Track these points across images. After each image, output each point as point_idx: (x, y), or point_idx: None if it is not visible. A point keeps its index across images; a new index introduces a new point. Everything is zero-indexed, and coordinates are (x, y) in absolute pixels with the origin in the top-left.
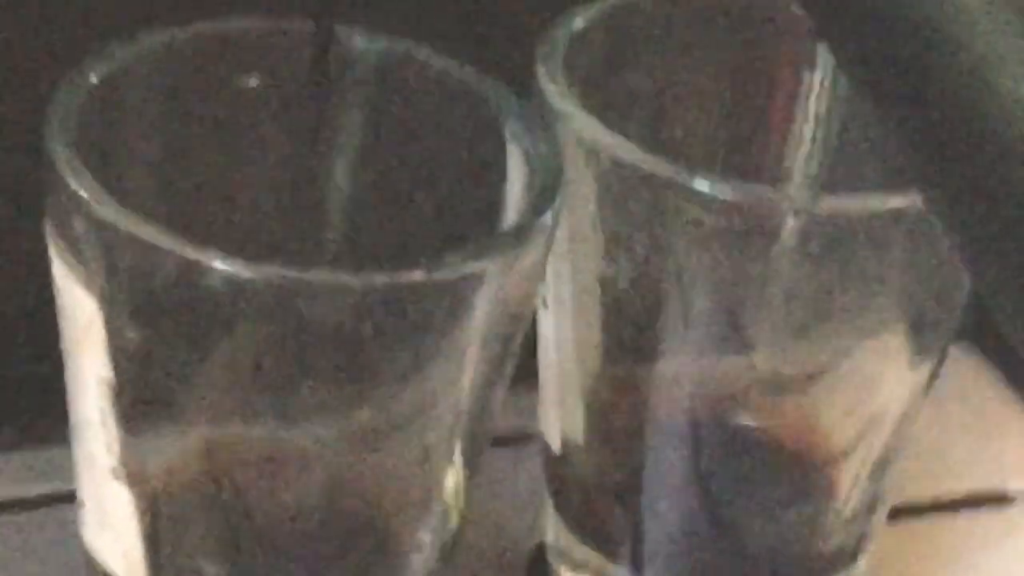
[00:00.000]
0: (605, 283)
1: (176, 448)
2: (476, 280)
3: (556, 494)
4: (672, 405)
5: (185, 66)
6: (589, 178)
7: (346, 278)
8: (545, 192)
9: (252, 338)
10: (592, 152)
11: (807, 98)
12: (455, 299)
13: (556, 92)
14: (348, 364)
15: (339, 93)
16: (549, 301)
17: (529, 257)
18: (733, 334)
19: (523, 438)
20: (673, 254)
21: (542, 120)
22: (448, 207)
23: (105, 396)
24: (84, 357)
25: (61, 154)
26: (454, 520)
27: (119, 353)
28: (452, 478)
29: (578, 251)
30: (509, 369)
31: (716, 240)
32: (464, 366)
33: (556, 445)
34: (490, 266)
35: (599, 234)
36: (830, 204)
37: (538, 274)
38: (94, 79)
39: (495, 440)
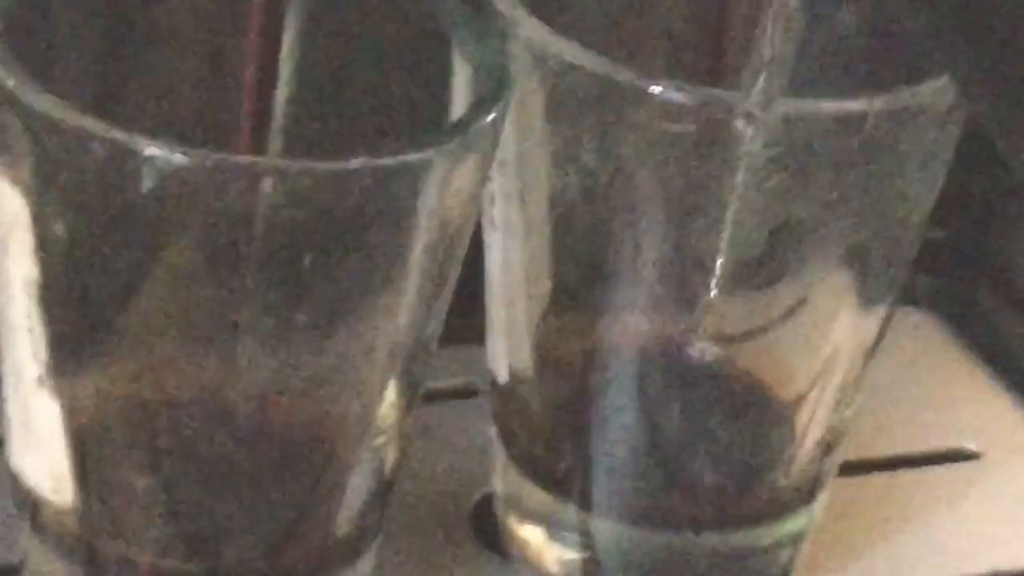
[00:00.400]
0: (555, 198)
1: (105, 356)
2: (419, 170)
3: (503, 430)
4: (624, 333)
5: None
6: (538, 86)
7: (286, 164)
8: (490, 92)
9: (187, 234)
10: (541, 57)
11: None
12: (398, 191)
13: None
14: (286, 261)
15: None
16: (497, 221)
17: (472, 152)
18: (686, 256)
19: (468, 393)
20: (624, 164)
21: (490, 29)
22: (394, 117)
23: (33, 298)
24: (9, 259)
25: None
26: (391, 451)
27: (47, 250)
28: (390, 402)
29: (528, 166)
30: (449, 288)
31: (669, 149)
32: (406, 270)
33: (503, 376)
34: (434, 156)
35: (548, 145)
36: (786, 107)
37: (480, 177)
38: None
39: (440, 393)
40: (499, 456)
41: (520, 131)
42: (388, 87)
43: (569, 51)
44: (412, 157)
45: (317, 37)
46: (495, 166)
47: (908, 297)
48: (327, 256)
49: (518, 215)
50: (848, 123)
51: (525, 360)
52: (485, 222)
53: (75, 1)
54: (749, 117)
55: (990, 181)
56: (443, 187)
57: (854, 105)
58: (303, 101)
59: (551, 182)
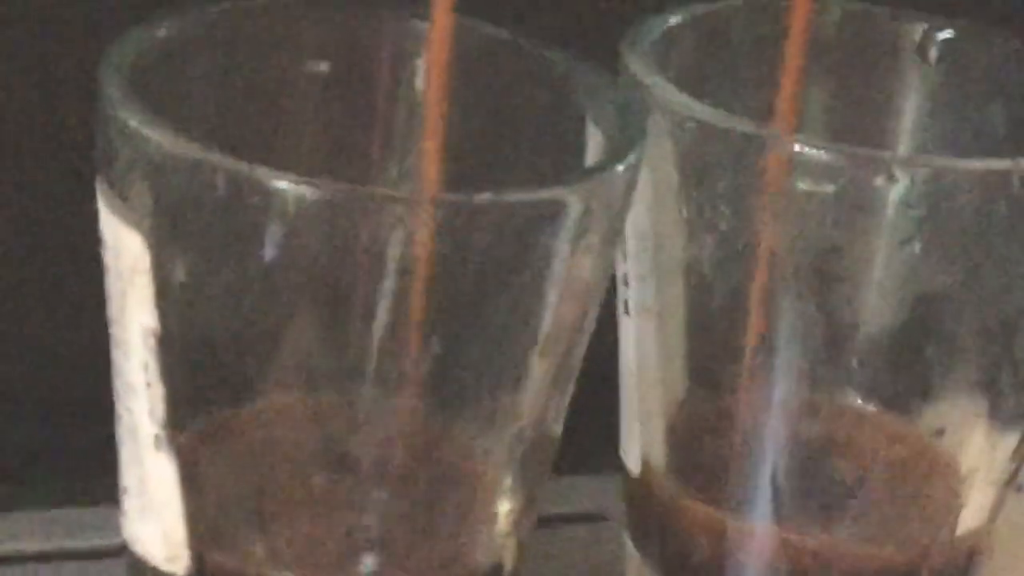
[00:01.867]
0: (690, 272)
1: (227, 413)
2: (552, 210)
3: (634, 526)
4: (763, 416)
5: (246, 36)
6: (673, 150)
7: (415, 195)
8: (625, 142)
9: (313, 268)
10: (676, 119)
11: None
12: (530, 231)
13: (641, 65)
14: (415, 304)
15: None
16: (632, 305)
17: (604, 197)
18: (828, 329)
19: (598, 518)
20: (762, 228)
21: (624, 94)
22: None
23: (151, 350)
24: (128, 309)
25: (114, 90)
26: (509, 556)
27: (167, 295)
28: (507, 488)
29: (663, 241)
30: (574, 369)
31: (809, 210)
32: (537, 321)
33: (636, 467)
34: (567, 196)
35: (684, 214)
36: (930, 163)
37: (611, 230)
38: (152, 33)
39: (569, 518)
40: (628, 557)
41: (656, 203)
42: (524, 157)
43: (703, 111)
44: (543, 194)
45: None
46: (630, 246)
47: None
48: (458, 293)
49: (653, 296)
50: (992, 182)
51: (658, 452)
52: (620, 313)
53: (199, 73)
54: (897, 168)
55: None
56: (576, 234)
57: (999, 164)
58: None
59: (686, 255)
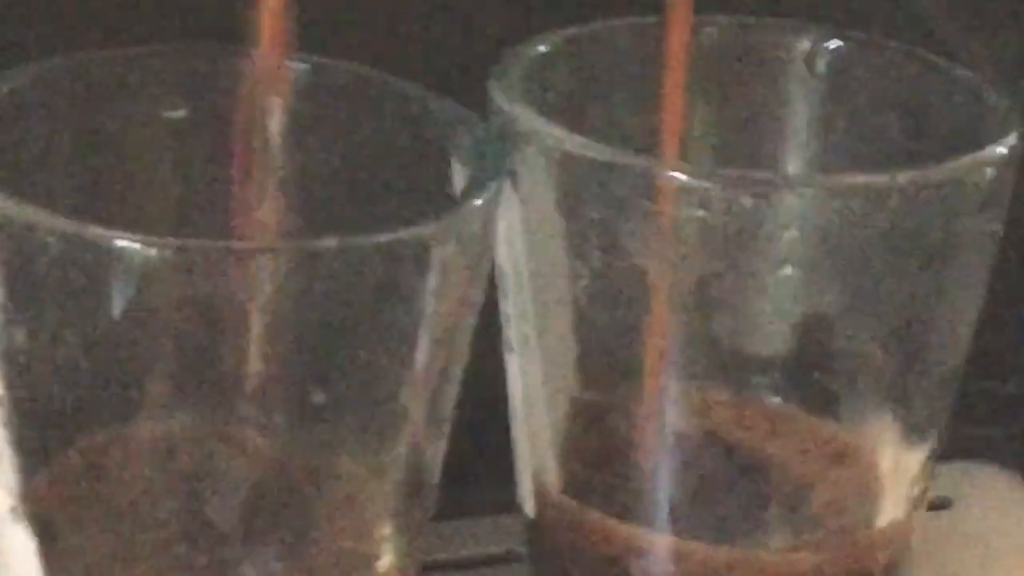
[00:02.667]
0: (571, 303)
1: (81, 476)
2: (416, 247)
3: (536, 568)
4: (654, 448)
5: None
6: (546, 182)
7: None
8: (482, 176)
9: (159, 327)
10: (547, 151)
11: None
12: (397, 268)
13: (507, 96)
14: (264, 346)
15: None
16: (514, 341)
17: (464, 230)
18: (715, 353)
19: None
20: (640, 256)
21: (484, 131)
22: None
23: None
24: None
25: None
26: None
27: (9, 361)
28: (386, 534)
29: (541, 274)
30: (450, 402)
31: (688, 236)
32: (410, 354)
33: (530, 508)
34: (429, 232)
35: (561, 245)
36: (808, 182)
37: (479, 257)
38: None
39: (471, 562)
40: None
41: (531, 236)
42: (387, 193)
43: (573, 141)
44: (407, 233)
45: (313, 134)
46: (508, 283)
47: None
48: (314, 344)
49: (534, 330)
50: (874, 199)
51: (551, 487)
52: (504, 350)
53: (43, 109)
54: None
55: None
56: (435, 271)
57: (879, 179)
58: (293, 200)
59: (567, 285)
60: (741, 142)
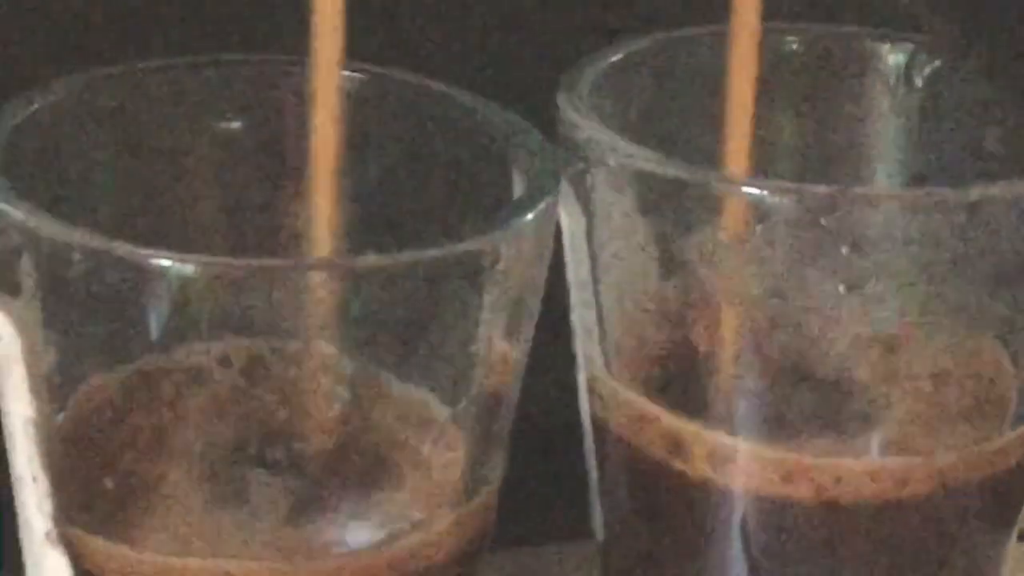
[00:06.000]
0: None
1: (116, 501)
2: (456, 264)
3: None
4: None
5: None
6: (617, 196)
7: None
8: (539, 185)
9: (194, 347)
10: (619, 164)
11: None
12: (446, 284)
13: (577, 110)
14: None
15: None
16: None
17: (526, 239)
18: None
19: None
20: (703, 272)
21: (541, 144)
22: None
23: (31, 439)
24: (7, 401)
25: None
26: None
27: (41, 381)
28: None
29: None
30: (506, 419)
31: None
32: (457, 368)
33: (600, 530)
34: (477, 247)
35: (641, 261)
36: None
37: (531, 278)
38: (26, 108)
39: None
40: None
41: (598, 250)
42: (446, 205)
43: (644, 156)
44: (458, 248)
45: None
46: (574, 296)
47: None
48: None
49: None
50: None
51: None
52: (577, 370)
53: (88, 121)
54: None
55: None
56: (488, 286)
57: (947, 193)
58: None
59: (634, 301)
60: (833, 156)
